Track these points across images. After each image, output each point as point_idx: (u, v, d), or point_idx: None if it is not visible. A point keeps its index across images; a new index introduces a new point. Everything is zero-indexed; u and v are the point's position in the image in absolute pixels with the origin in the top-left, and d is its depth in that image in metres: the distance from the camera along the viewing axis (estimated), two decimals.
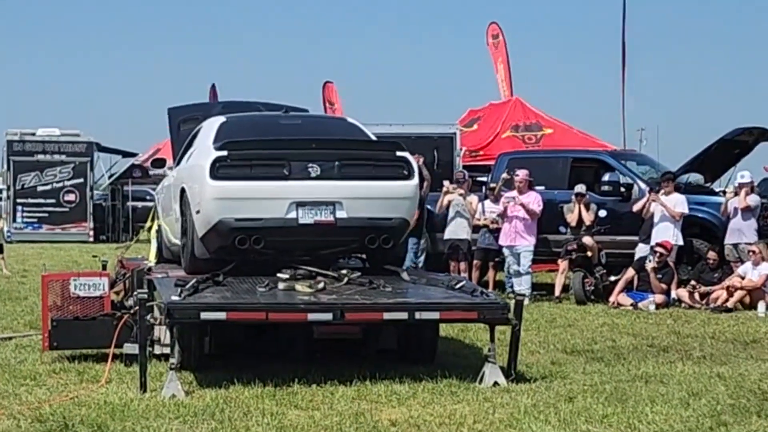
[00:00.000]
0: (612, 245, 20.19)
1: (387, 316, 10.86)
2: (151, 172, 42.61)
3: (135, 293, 11.68)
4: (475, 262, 20.92)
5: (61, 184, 41.11)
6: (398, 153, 12.07)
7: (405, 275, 12.19)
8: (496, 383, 10.83)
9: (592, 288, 19.42)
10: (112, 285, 13.28)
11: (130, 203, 44.27)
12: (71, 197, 41.07)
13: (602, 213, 20.15)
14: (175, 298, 10.65)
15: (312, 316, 10.75)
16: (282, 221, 11.68)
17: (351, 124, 13.34)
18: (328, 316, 10.74)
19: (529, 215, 19.53)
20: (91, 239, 40.18)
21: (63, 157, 41.16)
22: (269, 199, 11.69)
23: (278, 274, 11.63)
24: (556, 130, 29.04)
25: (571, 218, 19.95)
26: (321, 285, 11.34)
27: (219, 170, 11.68)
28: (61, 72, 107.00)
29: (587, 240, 19.67)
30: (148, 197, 44.49)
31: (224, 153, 11.73)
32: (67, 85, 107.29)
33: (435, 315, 11.04)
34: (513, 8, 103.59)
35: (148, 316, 10.82)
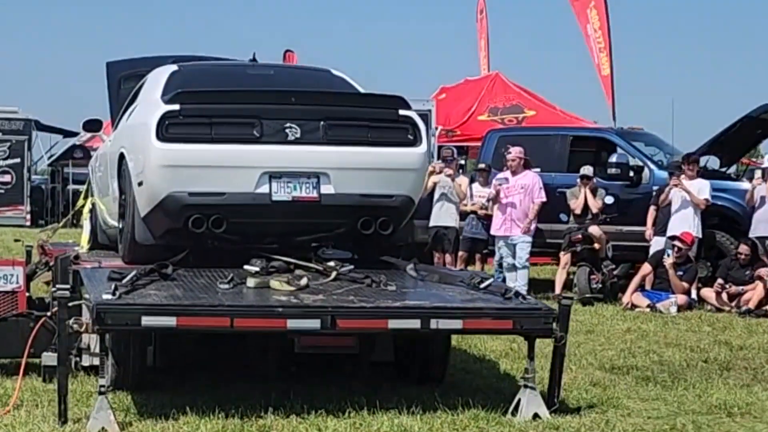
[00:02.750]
0: (618, 236, 17.56)
1: (393, 324, 8.13)
2: (92, 150, 39.99)
3: (53, 289, 8.85)
4: (460, 253, 18.26)
5: None
6: (402, 111, 9.38)
7: (411, 270, 9.45)
8: (536, 416, 8.17)
9: (599, 285, 16.79)
10: (30, 276, 10.50)
11: (71, 186, 41.31)
12: (7, 178, 38.33)
13: (608, 199, 17.48)
14: (107, 296, 7.88)
15: (293, 324, 8.01)
16: (250, 197, 8.99)
17: (337, 77, 10.60)
18: (315, 324, 8.01)
19: None
20: (28, 223, 37.43)
21: None
22: (234, 168, 8.98)
23: (246, 267, 8.91)
24: (540, 111, 26.34)
25: (576, 205, 17.28)
26: (303, 281, 8.59)
27: (168, 129, 8.95)
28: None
29: (594, 230, 17.02)
30: None
31: (175, 107, 9.00)
32: (3, 58, 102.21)
33: (457, 324, 8.30)
34: None
35: (71, 321, 8.00)
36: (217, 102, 9.17)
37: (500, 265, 17.67)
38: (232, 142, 9.01)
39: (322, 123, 9.13)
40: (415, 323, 8.14)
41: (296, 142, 9.06)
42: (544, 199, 17.09)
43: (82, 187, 40.80)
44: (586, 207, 17.24)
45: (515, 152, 17.26)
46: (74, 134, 42.27)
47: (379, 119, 9.34)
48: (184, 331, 8.09)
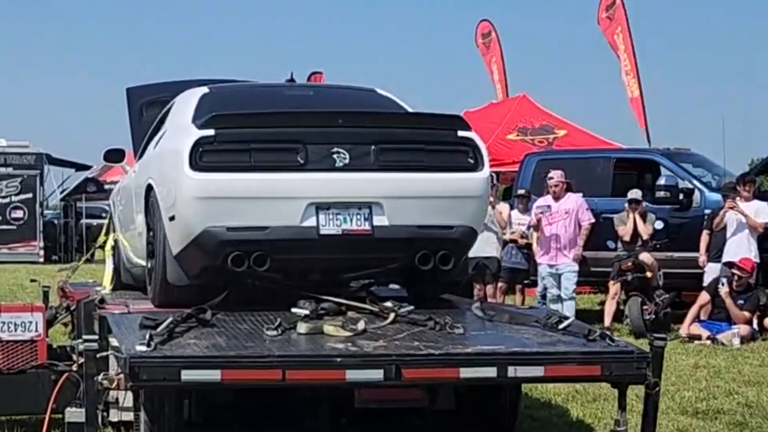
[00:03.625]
0: (668, 263, 16.56)
1: (465, 372, 7.13)
2: (106, 183, 39.21)
3: (79, 340, 7.84)
4: (499, 284, 17.29)
5: (7, 200, 37.54)
6: (460, 132, 8.43)
7: (476, 309, 8.45)
8: None
9: (652, 317, 15.76)
10: (50, 322, 9.54)
11: (84, 221, 40.67)
12: (19, 214, 37.63)
13: (658, 224, 16.50)
14: (141, 347, 6.89)
15: (352, 375, 7.02)
16: (296, 231, 8.01)
17: (384, 97, 9.65)
18: (378, 375, 7.02)
19: None
20: (42, 260, 36.73)
21: (10, 170, 37.54)
22: (277, 198, 8.03)
23: (294, 309, 7.93)
24: (570, 132, 25.40)
25: (624, 231, 16.29)
26: (360, 325, 7.60)
27: (203, 157, 8.00)
28: (7, 77, 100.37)
29: (646, 257, 16.02)
30: (103, 214, 41.09)
31: (210, 132, 8.04)
32: (14, 92, 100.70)
33: (537, 371, 7.28)
34: (508, 5, 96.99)
35: (101, 376, 7.02)
36: (255, 126, 8.21)
37: (543, 296, 16.73)
38: (273, 171, 8.05)
39: (373, 147, 8.17)
40: (490, 371, 7.14)
41: (345, 168, 8.10)
42: (593, 220, 16.14)
43: (96, 222, 40.11)
44: (635, 233, 16.25)
45: (557, 176, 16.30)
46: (87, 167, 41.70)
47: (435, 142, 8.39)
48: (229, 385, 7.10)
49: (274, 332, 7.47)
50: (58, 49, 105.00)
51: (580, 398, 10.12)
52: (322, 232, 8.07)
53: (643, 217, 16.28)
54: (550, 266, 16.19)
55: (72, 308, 9.96)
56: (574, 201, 16.21)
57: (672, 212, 16.84)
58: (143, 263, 9.87)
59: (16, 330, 8.75)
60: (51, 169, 40.46)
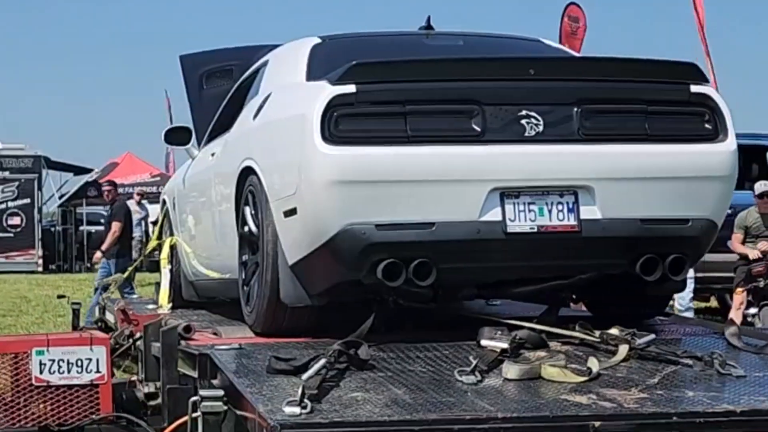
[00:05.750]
0: None
1: None
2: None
3: (195, 398, 5.23)
4: None
5: (3, 206, 35.44)
6: (694, 88, 6.00)
7: (732, 336, 6.00)
8: None
9: None
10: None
11: (84, 227, 38.55)
12: (16, 221, 35.64)
13: None
14: (293, 409, 4.43)
15: None
16: (474, 229, 5.63)
17: (554, 48, 7.28)
18: None
19: None
20: (40, 269, 34.81)
21: (6, 174, 35.55)
22: (447, 182, 5.62)
23: (485, 341, 5.49)
24: None
25: None
26: (594, 365, 5.16)
27: (339, 124, 5.59)
28: (2, 77, 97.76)
29: None
30: (102, 220, 39.17)
31: (349, 88, 5.60)
32: (9, 93, 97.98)
33: None
34: None
35: None
36: (413, 78, 5.76)
37: None
38: (440, 143, 5.64)
39: (576, 109, 5.77)
40: None
41: (539, 139, 5.71)
42: None
43: (94, 229, 37.78)
44: None
45: None
46: (87, 171, 39.82)
47: (660, 101, 5.97)
48: None
49: (472, 377, 5.03)
50: (53, 48, 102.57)
51: None
52: (510, 229, 5.68)
53: None
54: None
55: (137, 337, 7.45)
56: None
57: None
58: (214, 274, 7.56)
59: (70, 371, 6.35)
60: (49, 172, 38.57)
